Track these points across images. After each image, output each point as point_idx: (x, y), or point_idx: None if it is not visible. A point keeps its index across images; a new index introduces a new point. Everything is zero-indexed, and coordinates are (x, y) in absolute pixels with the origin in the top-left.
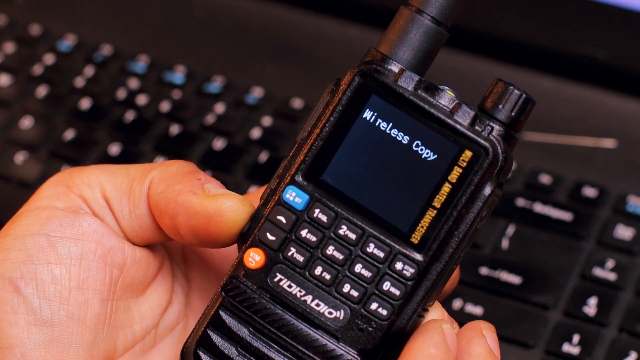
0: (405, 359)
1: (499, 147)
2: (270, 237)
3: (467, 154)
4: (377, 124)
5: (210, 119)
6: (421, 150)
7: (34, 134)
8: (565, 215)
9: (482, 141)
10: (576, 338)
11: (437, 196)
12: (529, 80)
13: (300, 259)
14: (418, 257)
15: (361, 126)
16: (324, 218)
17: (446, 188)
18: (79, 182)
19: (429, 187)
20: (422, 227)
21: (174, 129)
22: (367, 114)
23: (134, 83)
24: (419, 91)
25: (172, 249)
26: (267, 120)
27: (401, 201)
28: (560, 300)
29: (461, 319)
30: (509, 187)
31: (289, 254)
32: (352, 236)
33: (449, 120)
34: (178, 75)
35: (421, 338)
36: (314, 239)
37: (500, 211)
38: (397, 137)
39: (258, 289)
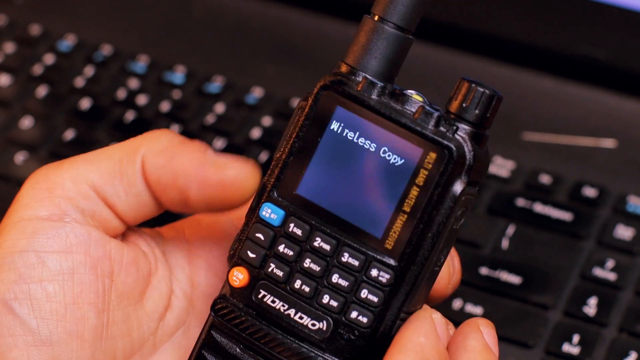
0: (395, 348)
1: (465, 146)
2: (251, 255)
3: (432, 155)
4: (344, 134)
5: (210, 119)
6: (389, 156)
7: (34, 134)
8: (565, 215)
9: (445, 142)
10: (576, 338)
11: (407, 200)
12: (529, 80)
13: (280, 274)
14: (392, 262)
15: (330, 138)
16: (299, 232)
17: (414, 191)
18: (59, 180)
19: (398, 191)
20: (395, 232)
21: (174, 129)
22: (334, 125)
23: (134, 83)
24: (383, 98)
25: (176, 252)
26: (267, 120)
27: (373, 208)
28: (560, 300)
29: (461, 319)
30: (509, 187)
31: (270, 270)
32: (327, 247)
33: (412, 124)
34: (178, 75)
35: (411, 327)
36: (291, 253)
37: (500, 211)
38: (365, 145)
39: (244, 307)
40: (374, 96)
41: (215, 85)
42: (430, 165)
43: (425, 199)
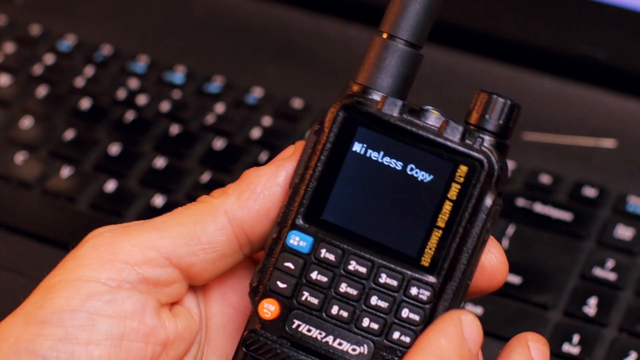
0: (412, 350)
1: (492, 157)
2: (281, 285)
3: (463, 169)
4: (368, 154)
5: (210, 119)
6: (416, 173)
7: (34, 134)
8: (565, 215)
9: (476, 154)
10: (576, 338)
11: (440, 216)
12: (529, 80)
13: (315, 301)
14: (432, 279)
15: (353, 160)
16: (331, 257)
17: (447, 206)
18: (127, 246)
19: (430, 208)
20: (430, 248)
21: (174, 129)
22: (357, 147)
23: (134, 83)
24: (404, 115)
25: (195, 289)
26: (267, 120)
27: (405, 227)
28: (560, 300)
29: None
30: (509, 187)
31: (303, 298)
32: (363, 270)
33: (439, 139)
34: (178, 75)
35: (434, 329)
36: (325, 279)
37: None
38: (391, 165)
39: (278, 339)
40: (395, 114)
41: (215, 85)
42: (462, 179)
43: (459, 213)
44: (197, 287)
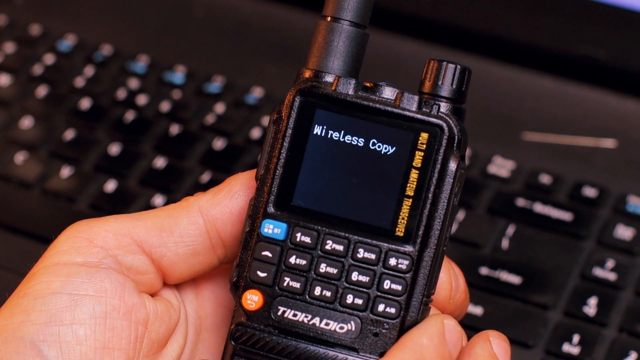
0: (395, 345)
1: (451, 122)
2: (261, 274)
3: (424, 136)
4: (329, 135)
5: (210, 119)
6: (379, 147)
7: (34, 134)
8: (565, 215)
9: (434, 120)
10: (576, 338)
11: (408, 185)
12: (529, 80)
13: (297, 285)
14: (408, 248)
15: (315, 143)
16: (307, 239)
17: (414, 175)
18: (102, 232)
19: (397, 179)
20: (403, 218)
21: (174, 129)
22: (317, 129)
23: (134, 83)
24: (359, 92)
25: (184, 286)
26: (267, 120)
27: (376, 201)
28: (560, 300)
29: (461, 319)
30: (509, 187)
31: (285, 284)
32: (340, 248)
33: (397, 110)
34: (178, 75)
35: (417, 328)
36: (304, 262)
37: (500, 211)
38: (353, 142)
39: (265, 328)
40: (350, 92)
41: (215, 85)
42: (424, 146)
43: (426, 179)
44: (189, 283)
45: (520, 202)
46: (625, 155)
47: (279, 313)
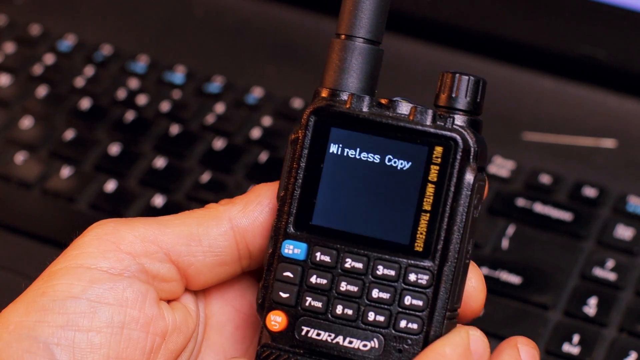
0: (418, 357)
1: (466, 134)
2: (283, 295)
3: (438, 149)
4: (345, 153)
5: (210, 119)
6: (394, 162)
7: (34, 134)
8: (565, 215)
9: (448, 133)
10: (576, 338)
11: (425, 199)
12: (529, 80)
13: (319, 304)
14: (427, 263)
15: (331, 161)
16: (327, 258)
17: (430, 189)
18: (130, 237)
19: (414, 194)
20: (421, 233)
21: (174, 129)
22: (333, 148)
23: (134, 83)
24: (373, 109)
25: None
26: (267, 120)
27: (393, 216)
28: (560, 300)
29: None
30: (509, 187)
31: (307, 304)
32: (360, 265)
33: (410, 125)
34: (178, 75)
35: (441, 339)
36: (324, 281)
37: (500, 211)
38: (369, 159)
39: (291, 348)
40: (364, 109)
41: (215, 85)
42: (439, 160)
43: (442, 193)
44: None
45: (520, 202)
46: (625, 155)
47: (303, 333)
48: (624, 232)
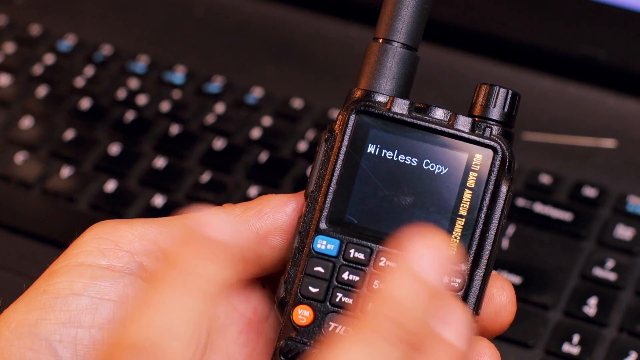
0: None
1: (503, 144)
2: (313, 290)
3: (478, 157)
4: (383, 154)
5: (210, 119)
6: (432, 167)
7: (34, 134)
8: (565, 215)
9: (489, 142)
10: (576, 338)
11: (462, 204)
12: (529, 80)
13: (350, 301)
14: (461, 267)
15: (368, 161)
16: (360, 256)
17: (467, 195)
18: (129, 235)
19: (450, 198)
20: (455, 237)
21: (174, 129)
22: (371, 148)
23: (134, 83)
24: (413, 113)
25: None
26: (267, 120)
27: (428, 219)
28: (560, 300)
29: None
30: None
31: (337, 300)
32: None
33: (452, 131)
34: (178, 75)
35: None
36: (356, 278)
37: None
38: (406, 162)
39: (316, 343)
40: (405, 112)
41: (215, 85)
42: (478, 167)
43: (479, 200)
44: None
45: (520, 202)
46: (625, 155)
47: (330, 328)
48: (624, 232)
